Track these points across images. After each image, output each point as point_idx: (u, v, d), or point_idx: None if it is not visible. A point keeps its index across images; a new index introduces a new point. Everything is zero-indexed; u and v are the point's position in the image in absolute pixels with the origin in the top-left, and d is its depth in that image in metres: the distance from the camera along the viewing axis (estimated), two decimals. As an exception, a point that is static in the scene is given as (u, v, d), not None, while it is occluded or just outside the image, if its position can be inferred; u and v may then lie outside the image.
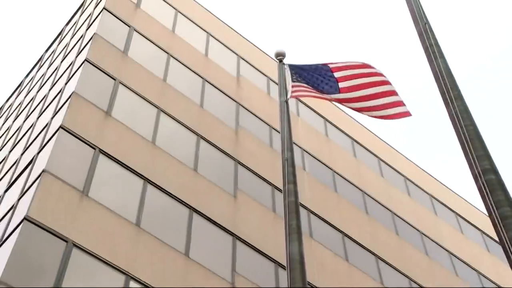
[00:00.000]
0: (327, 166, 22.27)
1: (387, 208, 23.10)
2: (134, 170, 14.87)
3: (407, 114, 8.77)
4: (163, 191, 15.13)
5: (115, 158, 14.74)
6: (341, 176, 22.45)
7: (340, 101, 8.78)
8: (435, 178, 28.23)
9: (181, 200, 15.32)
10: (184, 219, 14.99)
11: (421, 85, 74.19)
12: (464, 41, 73.79)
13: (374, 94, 8.72)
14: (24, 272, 11.05)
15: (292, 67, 9.15)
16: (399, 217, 23.26)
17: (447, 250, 23.82)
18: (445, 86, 6.72)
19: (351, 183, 22.58)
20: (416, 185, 26.34)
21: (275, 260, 16.19)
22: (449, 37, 73.37)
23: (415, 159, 66.65)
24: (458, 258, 23.88)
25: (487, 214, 5.30)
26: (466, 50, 73.86)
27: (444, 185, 28.40)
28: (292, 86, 8.92)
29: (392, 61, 76.01)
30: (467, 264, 23.96)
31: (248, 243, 15.95)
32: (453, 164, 72.03)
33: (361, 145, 25.46)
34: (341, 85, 8.79)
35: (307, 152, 21.98)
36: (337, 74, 8.86)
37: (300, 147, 21.88)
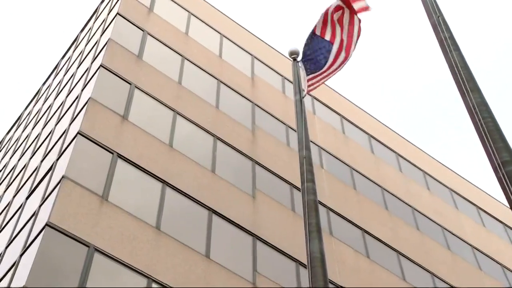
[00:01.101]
0: (345, 163, 22.18)
1: (407, 204, 22.95)
2: (152, 173, 14.95)
3: (365, 9, 8.64)
4: (181, 193, 15.19)
5: (133, 162, 14.83)
6: (359, 172, 22.35)
7: (339, 66, 8.74)
8: (454, 172, 27.99)
9: (200, 202, 15.37)
10: (204, 220, 15.03)
11: (437, 79, 73.61)
12: (481, 33, 73.05)
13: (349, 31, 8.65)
14: (48, 277, 11.16)
15: (304, 60, 9.11)
16: (419, 212, 23.10)
17: (469, 244, 23.60)
18: (461, 79, 6.66)
19: (369, 179, 22.47)
20: (436, 180, 26.14)
21: (295, 259, 16.17)
22: (465, 30, 72.69)
23: (433, 153, 66.12)
24: (481, 252, 23.65)
25: (509, 206, 5.25)
26: (484, 42, 73.10)
27: (464, 178, 28.15)
28: (308, 81, 8.91)
29: (407, 56, 75.49)
30: (491, 258, 23.71)
31: (268, 242, 15.95)
32: (472, 157, 71.37)
33: (378, 141, 25.33)
34: (334, 47, 8.73)
35: (324, 150, 21.92)
36: (327, 36, 8.81)
37: (317, 145, 21.82)
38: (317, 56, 8.87)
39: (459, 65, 6.83)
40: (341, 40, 8.65)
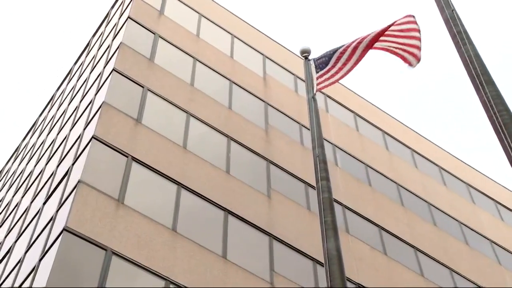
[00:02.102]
0: (359, 161, 22.11)
1: (423, 199, 22.82)
2: (167, 176, 15.00)
3: (417, 59, 8.61)
4: (197, 195, 15.23)
5: (148, 165, 14.89)
6: (374, 169, 22.26)
7: (359, 58, 8.69)
8: (470, 166, 27.77)
9: (216, 203, 15.39)
10: (220, 221, 15.05)
11: (451, 74, 73.10)
12: (494, 26, 72.41)
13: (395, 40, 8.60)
14: (67, 281, 11.25)
15: (316, 59, 9.10)
16: (436, 207, 22.95)
17: (488, 239, 23.41)
18: (475, 72, 6.61)
19: (385, 176, 22.37)
20: (452, 174, 25.96)
21: (312, 257, 16.14)
22: (477, 24, 72.09)
23: (448, 149, 65.68)
24: (500, 246, 23.44)
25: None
26: (497, 35, 72.46)
27: (481, 172, 27.92)
28: (317, 78, 8.89)
29: (423, 51, 74.87)
30: (510, 252, 23.49)
31: (284, 242, 15.94)
32: (488, 152, 70.74)
33: (392, 137, 25.20)
34: (348, 49, 8.70)
35: (338, 147, 21.86)
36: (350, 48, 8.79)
37: (331, 143, 21.77)
38: (326, 56, 8.87)
39: (473, 59, 6.78)
40: (361, 39, 8.63)
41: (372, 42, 8.58)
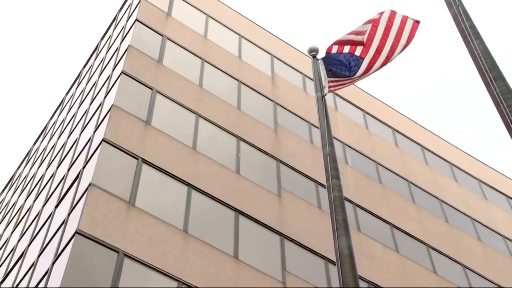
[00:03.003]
0: (369, 158, 22.04)
1: (434, 196, 22.72)
2: (177, 177, 15.03)
3: (416, 26, 8.62)
4: (207, 196, 15.25)
5: (158, 167, 14.93)
6: (384, 167, 22.19)
7: (365, 72, 8.72)
8: (481, 162, 27.61)
9: (226, 203, 15.41)
10: (231, 222, 15.06)
11: (460, 70, 72.69)
12: (502, 21, 71.93)
13: (389, 39, 8.60)
14: (80, 283, 11.30)
15: (326, 61, 9.10)
16: (447, 204, 22.84)
17: (501, 235, 23.26)
18: (484, 68, 6.57)
19: (395, 173, 22.29)
20: (463, 171, 25.82)
21: (324, 256, 16.12)
22: (485, 19, 71.64)
23: (458, 144, 65.33)
24: (513, 242, 23.28)
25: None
26: (508, 31, 71.98)
27: (492, 168, 27.75)
28: (329, 82, 8.88)
29: (429, 48, 74.68)
30: (523, 247, 23.34)
31: (296, 241, 15.92)
32: (499, 148, 70.29)
33: (402, 134, 25.11)
34: (365, 61, 8.71)
35: (348, 145, 21.81)
36: (358, 51, 8.78)
37: (341, 141, 21.72)
38: (338, 65, 8.84)
39: (481, 54, 6.74)
40: (379, 47, 8.60)
41: (377, 59, 8.58)
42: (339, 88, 8.79)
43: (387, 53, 8.62)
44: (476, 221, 23.10)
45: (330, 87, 8.78)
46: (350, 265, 5.98)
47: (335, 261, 6.13)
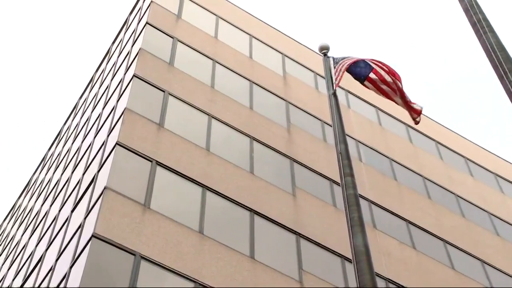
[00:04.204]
0: (383, 155, 21.95)
1: (450, 191, 22.57)
2: (191, 178, 15.07)
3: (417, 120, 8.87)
4: (222, 196, 15.27)
5: (172, 169, 14.98)
6: (399, 163, 22.08)
7: (369, 82, 8.81)
8: (497, 155, 27.38)
9: (241, 204, 15.42)
10: (246, 222, 15.07)
11: (473, 64, 72.14)
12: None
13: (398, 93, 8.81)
14: (98, 287, 11.37)
15: (337, 59, 9.09)
16: (463, 199, 22.68)
17: (518, 228, 23.05)
18: (497, 61, 6.51)
19: (410, 169, 22.18)
20: (478, 165, 25.62)
21: (340, 254, 16.07)
22: (498, 11, 71.02)
23: (472, 138, 64.81)
24: (531, 236, 23.07)
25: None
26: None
27: (507, 161, 27.51)
28: (334, 74, 8.88)
29: (442, 42, 74.19)
30: (541, 241, 23.11)
31: (312, 239, 15.90)
32: (515, 139, 69.64)
33: (416, 130, 24.97)
34: (372, 75, 8.82)
35: (361, 143, 21.74)
36: (372, 64, 8.86)
37: (354, 139, 21.65)
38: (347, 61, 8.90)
39: (495, 47, 6.68)
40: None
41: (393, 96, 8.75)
42: (342, 73, 8.81)
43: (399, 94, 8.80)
44: (493, 215, 22.91)
45: (335, 79, 8.77)
46: (366, 262, 5.95)
47: (351, 259, 6.11)
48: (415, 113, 8.92)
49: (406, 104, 8.89)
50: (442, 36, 74.17)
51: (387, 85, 8.82)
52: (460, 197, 22.64)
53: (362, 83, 8.99)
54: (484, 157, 26.56)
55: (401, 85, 8.94)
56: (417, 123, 9.00)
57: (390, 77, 8.82)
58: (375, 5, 75.30)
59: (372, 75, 8.87)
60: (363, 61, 8.89)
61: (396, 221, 19.11)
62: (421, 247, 18.74)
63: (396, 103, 8.94)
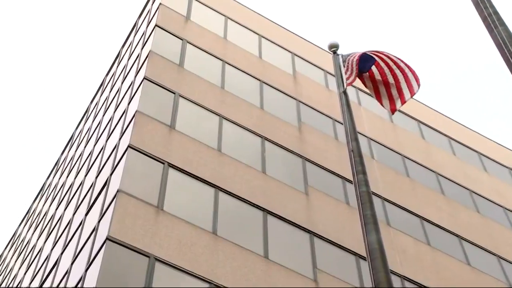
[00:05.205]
0: (396, 152, 21.85)
1: (464, 187, 22.42)
2: (204, 179, 15.10)
3: (413, 93, 8.68)
4: (234, 197, 15.28)
5: (184, 170, 15.01)
6: (411, 160, 21.98)
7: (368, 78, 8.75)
8: (510, 150, 27.15)
9: (254, 204, 15.42)
10: (259, 221, 15.07)
11: (485, 58, 71.64)
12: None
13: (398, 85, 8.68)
14: (113, 290, 11.42)
15: (344, 57, 9.08)
16: (478, 194, 22.52)
17: (534, 223, 22.85)
18: (509, 55, 6.45)
19: (422, 165, 22.06)
20: (492, 160, 25.43)
21: (355, 252, 16.02)
22: (509, 5, 70.44)
23: (485, 133, 64.38)
24: (547, 230, 22.86)
25: None
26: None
27: (522, 155, 27.28)
28: (345, 73, 8.86)
29: (452, 38, 73.76)
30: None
31: (325, 238, 15.87)
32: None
33: (428, 126, 24.84)
34: (374, 69, 8.75)
35: (373, 140, 21.66)
36: (375, 57, 8.80)
37: (366, 136, 21.58)
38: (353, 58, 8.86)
39: (506, 41, 6.62)
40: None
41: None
42: (353, 79, 8.77)
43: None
44: (509, 210, 22.73)
45: (347, 78, 8.75)
46: (381, 260, 5.91)
47: (366, 256, 6.09)
48: (401, 102, 8.72)
49: (401, 91, 8.69)
50: (453, 31, 73.73)
51: (384, 79, 8.73)
52: (475, 193, 22.49)
53: (362, 79, 8.94)
54: (498, 151, 26.36)
55: (409, 70, 8.74)
56: (393, 112, 8.81)
57: (391, 70, 8.71)
58: (385, 1, 75.01)
59: (373, 68, 8.82)
60: (366, 54, 8.84)
61: (410, 218, 19.02)
62: (436, 244, 18.64)
63: (382, 105, 8.80)
